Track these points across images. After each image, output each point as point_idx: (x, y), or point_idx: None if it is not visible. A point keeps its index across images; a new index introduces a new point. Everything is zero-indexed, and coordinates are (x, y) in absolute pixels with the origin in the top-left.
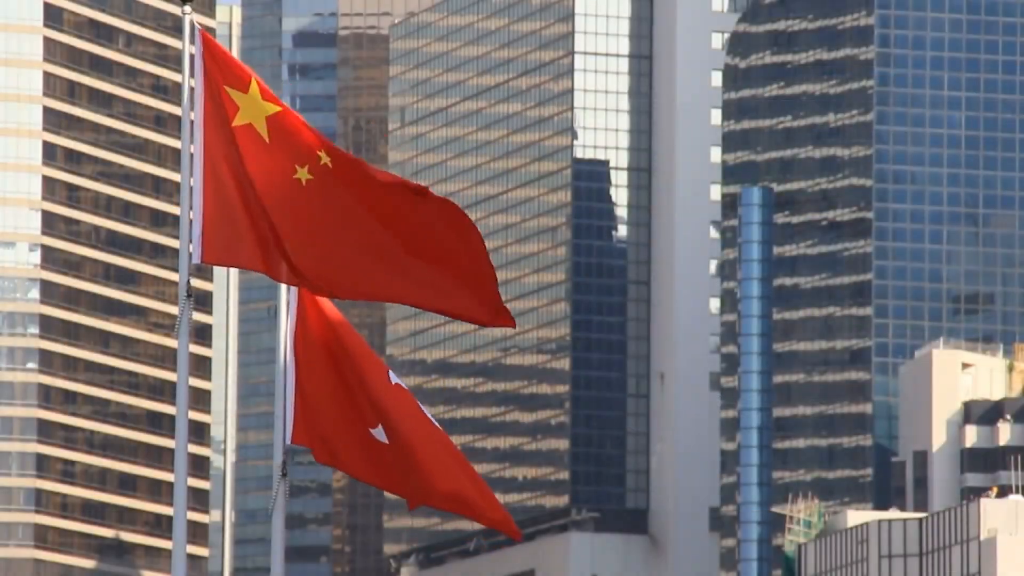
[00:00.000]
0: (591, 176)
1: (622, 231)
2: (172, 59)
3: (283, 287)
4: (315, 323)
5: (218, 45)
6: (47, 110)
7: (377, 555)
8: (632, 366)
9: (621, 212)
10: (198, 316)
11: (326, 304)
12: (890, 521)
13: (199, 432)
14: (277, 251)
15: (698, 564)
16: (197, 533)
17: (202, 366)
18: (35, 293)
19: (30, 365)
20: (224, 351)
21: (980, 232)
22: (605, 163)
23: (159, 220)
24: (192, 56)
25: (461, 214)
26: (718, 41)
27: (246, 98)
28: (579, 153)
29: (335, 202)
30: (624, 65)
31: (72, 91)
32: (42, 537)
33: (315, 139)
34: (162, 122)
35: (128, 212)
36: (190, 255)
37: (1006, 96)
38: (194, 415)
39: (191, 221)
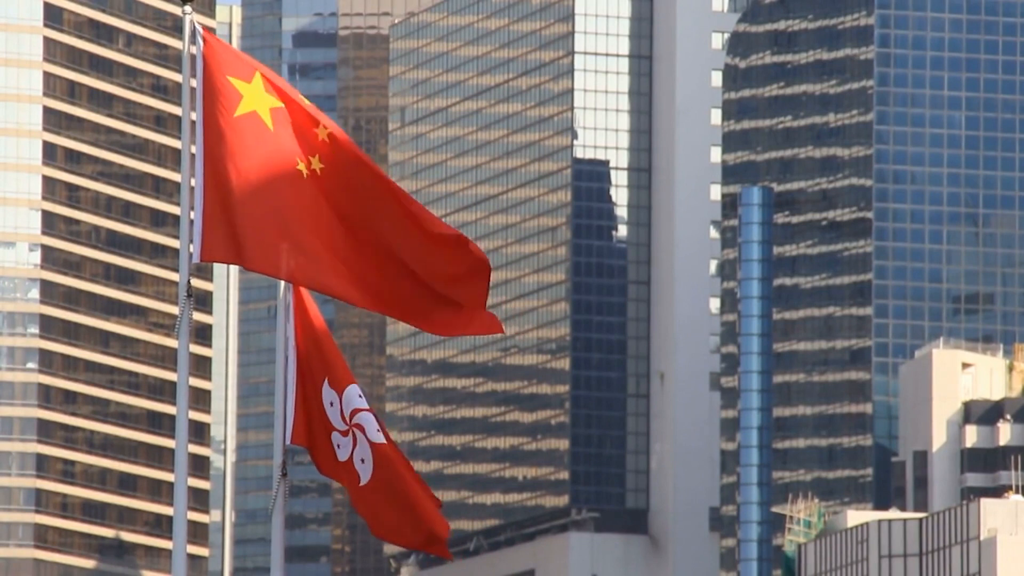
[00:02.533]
0: (591, 176)
1: (622, 231)
2: (172, 59)
3: (283, 287)
4: (305, 326)
5: (221, 41)
6: (47, 110)
7: (377, 555)
8: (632, 366)
9: (621, 212)
10: (198, 316)
11: (313, 309)
12: (890, 521)
13: (199, 432)
14: (275, 246)
15: (698, 564)
16: (197, 533)
17: (202, 366)
18: (35, 293)
19: (30, 365)
20: (224, 351)
21: (980, 232)
22: (605, 163)
23: (159, 220)
24: (192, 56)
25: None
26: (718, 41)
27: (249, 87)
28: (579, 153)
29: (323, 203)
30: (624, 65)
31: (72, 91)
32: (42, 537)
33: (312, 142)
34: (162, 122)
35: (128, 212)
36: (190, 255)
37: (1006, 96)
38: (194, 415)
39: (191, 221)
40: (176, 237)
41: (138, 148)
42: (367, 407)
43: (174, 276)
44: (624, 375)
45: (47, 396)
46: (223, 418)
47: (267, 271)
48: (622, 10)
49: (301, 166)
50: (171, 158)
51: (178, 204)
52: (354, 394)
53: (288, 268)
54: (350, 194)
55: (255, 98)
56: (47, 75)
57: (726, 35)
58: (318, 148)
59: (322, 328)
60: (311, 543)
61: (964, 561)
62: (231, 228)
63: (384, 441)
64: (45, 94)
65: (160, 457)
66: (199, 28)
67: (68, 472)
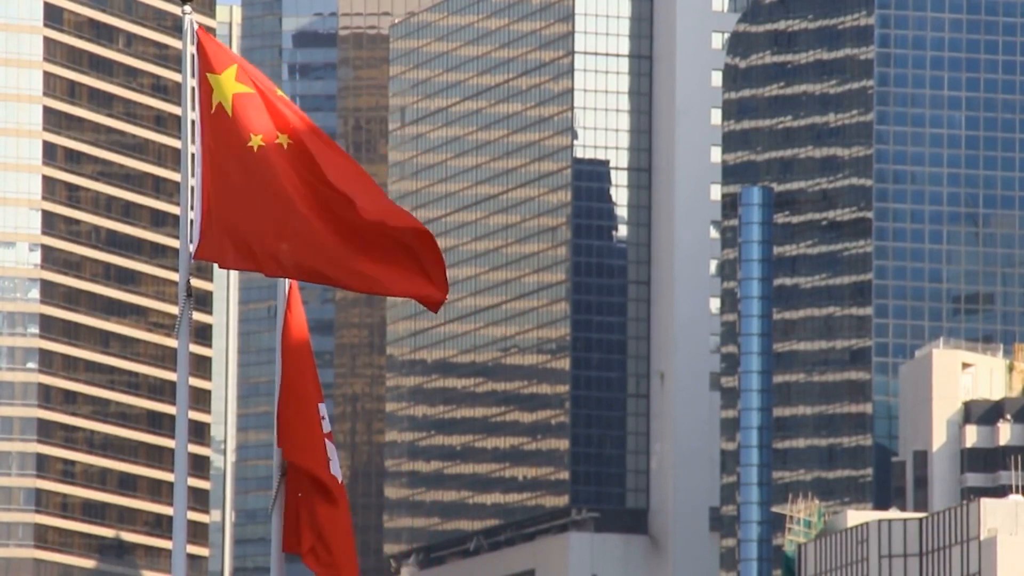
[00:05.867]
0: (591, 176)
1: (622, 231)
2: (172, 59)
3: (281, 287)
4: (297, 328)
5: (210, 38)
6: (47, 110)
7: (377, 555)
8: (632, 366)
9: (621, 212)
10: (198, 316)
11: (298, 313)
12: (890, 521)
13: (199, 432)
14: (266, 242)
15: (698, 564)
16: (197, 533)
17: (202, 366)
18: (35, 293)
19: (30, 365)
20: (224, 351)
21: (980, 232)
22: (605, 163)
23: (159, 220)
24: (192, 56)
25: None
26: (718, 41)
27: (220, 79)
28: (579, 153)
29: (276, 175)
30: (624, 65)
31: (72, 91)
32: (42, 537)
33: (281, 123)
34: (162, 122)
35: (128, 212)
36: (190, 255)
37: (1006, 96)
38: (194, 415)
39: (191, 221)
40: (176, 237)
41: (138, 148)
42: (329, 431)
43: (174, 276)
44: (624, 375)
45: (47, 396)
46: (223, 418)
47: (260, 270)
48: (622, 10)
49: (253, 140)
50: (171, 158)
51: (178, 204)
52: (323, 414)
53: (281, 264)
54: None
55: (222, 89)
56: (47, 75)
57: (726, 35)
58: (283, 131)
59: (307, 336)
60: None
61: (964, 561)
62: (224, 226)
63: (342, 480)
64: (45, 94)
65: (160, 457)
66: (196, 27)
67: (68, 472)
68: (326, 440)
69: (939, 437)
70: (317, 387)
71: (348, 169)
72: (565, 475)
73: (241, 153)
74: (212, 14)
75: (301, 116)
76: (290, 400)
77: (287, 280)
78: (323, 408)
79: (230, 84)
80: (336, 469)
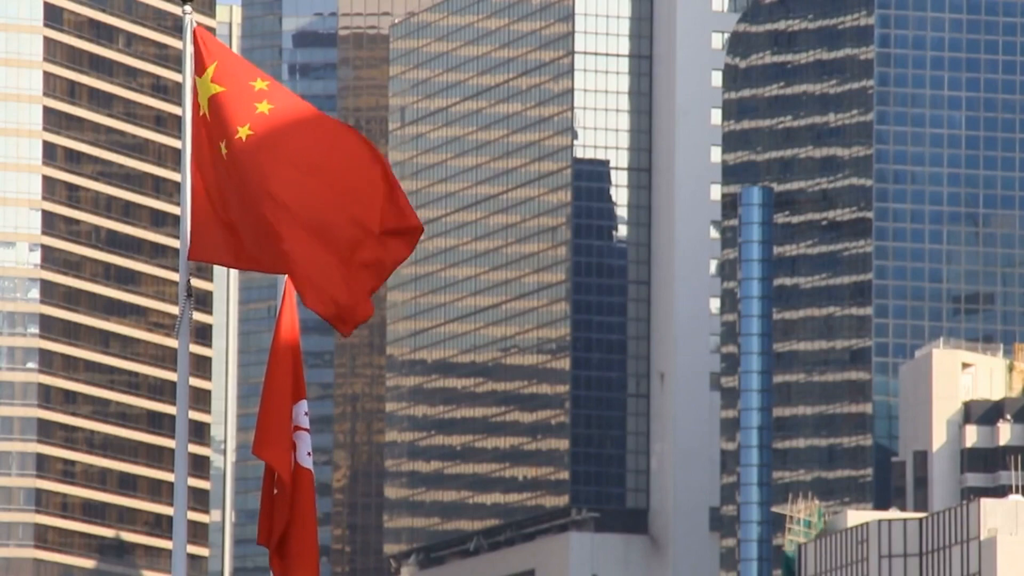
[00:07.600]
0: (591, 176)
1: (622, 231)
2: (172, 59)
3: (281, 287)
4: (287, 328)
5: (206, 37)
6: (47, 110)
7: (377, 555)
8: (632, 366)
9: (621, 212)
10: (198, 316)
11: (294, 313)
12: (890, 521)
13: (199, 432)
14: (248, 241)
15: (698, 564)
16: (197, 533)
17: (202, 366)
18: (35, 293)
19: (30, 365)
20: (224, 351)
21: (980, 232)
22: (605, 163)
23: (159, 220)
24: (191, 56)
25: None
26: (718, 41)
27: (202, 82)
28: (579, 153)
29: (239, 179)
30: (624, 65)
31: (72, 91)
32: (42, 537)
33: (243, 116)
34: (162, 122)
35: (128, 212)
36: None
37: (1006, 96)
38: (194, 415)
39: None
40: (176, 237)
41: (138, 148)
42: (307, 427)
43: (174, 276)
44: (624, 375)
45: (47, 396)
46: (223, 418)
47: (243, 267)
48: (622, 10)
49: (222, 148)
50: (171, 158)
51: (178, 204)
52: (300, 411)
53: (270, 260)
54: (272, 160)
55: (204, 92)
56: (47, 75)
57: (726, 35)
58: (251, 119)
59: (296, 336)
60: None
61: (964, 561)
62: (216, 227)
63: (311, 468)
64: (45, 94)
65: (160, 457)
66: (195, 27)
67: (68, 472)
68: (298, 433)
69: (939, 437)
70: (298, 384)
71: (316, 159)
72: (565, 475)
73: (215, 155)
74: (212, 14)
75: (282, 102)
76: (269, 399)
77: (286, 278)
78: (301, 405)
79: (207, 86)
80: (305, 459)
